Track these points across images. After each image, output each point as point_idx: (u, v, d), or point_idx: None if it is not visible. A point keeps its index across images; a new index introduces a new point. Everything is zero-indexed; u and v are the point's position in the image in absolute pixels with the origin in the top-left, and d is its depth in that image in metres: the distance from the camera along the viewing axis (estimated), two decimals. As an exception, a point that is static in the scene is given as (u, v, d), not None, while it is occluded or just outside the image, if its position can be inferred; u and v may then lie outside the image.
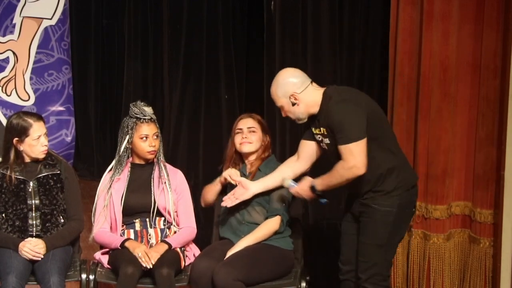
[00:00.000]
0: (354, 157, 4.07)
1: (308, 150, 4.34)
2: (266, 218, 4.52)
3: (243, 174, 4.59)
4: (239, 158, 4.67)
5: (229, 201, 4.49)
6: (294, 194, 4.38)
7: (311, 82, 4.24)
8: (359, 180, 4.13)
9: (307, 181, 4.30)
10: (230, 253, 4.44)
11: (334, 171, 4.17)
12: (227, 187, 4.63)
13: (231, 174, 4.54)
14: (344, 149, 4.08)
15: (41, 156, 4.51)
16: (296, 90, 4.20)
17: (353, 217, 4.32)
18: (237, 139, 4.61)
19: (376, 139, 4.14)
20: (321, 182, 4.25)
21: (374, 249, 4.19)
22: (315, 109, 4.20)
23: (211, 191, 4.67)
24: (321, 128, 4.20)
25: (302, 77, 4.24)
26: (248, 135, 4.59)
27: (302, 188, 4.32)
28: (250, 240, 4.48)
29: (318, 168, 5.15)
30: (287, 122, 5.17)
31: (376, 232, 4.17)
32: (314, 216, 5.26)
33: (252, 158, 4.63)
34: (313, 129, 4.26)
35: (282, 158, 4.78)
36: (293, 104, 4.21)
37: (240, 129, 4.61)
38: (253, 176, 4.57)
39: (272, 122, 5.27)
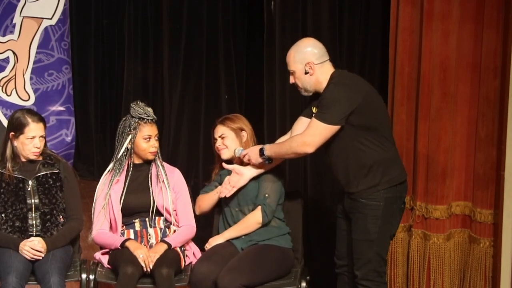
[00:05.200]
0: (313, 136, 4.15)
1: (302, 127, 4.34)
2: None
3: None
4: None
5: (225, 190, 4.54)
6: (243, 159, 4.47)
7: (329, 60, 4.28)
8: (344, 169, 4.21)
9: (259, 145, 4.44)
10: (214, 242, 4.54)
11: (287, 141, 4.29)
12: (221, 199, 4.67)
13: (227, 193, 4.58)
14: (313, 123, 4.16)
15: (32, 157, 4.50)
16: (314, 60, 4.23)
17: (344, 213, 4.38)
18: (216, 146, 4.66)
19: (368, 129, 4.17)
20: (270, 148, 4.37)
21: (367, 245, 4.23)
22: (322, 86, 4.24)
23: (207, 201, 4.69)
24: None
25: (322, 51, 4.28)
26: (221, 142, 4.62)
27: (252, 150, 4.43)
28: (233, 233, 4.56)
29: (318, 165, 5.17)
30: (287, 122, 5.17)
31: (366, 227, 4.22)
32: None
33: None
34: (314, 108, 4.29)
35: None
36: (306, 73, 4.24)
37: (215, 138, 4.66)
38: None
39: (272, 122, 5.27)
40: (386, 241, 4.31)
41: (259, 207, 4.53)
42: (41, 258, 4.39)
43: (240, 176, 4.52)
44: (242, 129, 4.64)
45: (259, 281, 4.39)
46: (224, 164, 4.60)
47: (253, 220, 4.54)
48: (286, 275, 4.53)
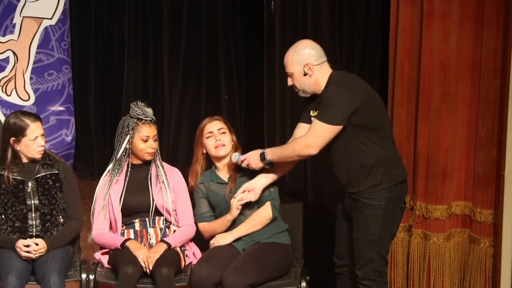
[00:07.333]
0: (316, 137, 4.15)
1: (302, 134, 4.33)
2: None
3: (217, 182, 4.59)
4: (207, 164, 4.65)
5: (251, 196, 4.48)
6: (242, 165, 4.44)
7: (327, 61, 4.28)
8: (345, 169, 4.21)
9: (258, 150, 4.40)
10: (221, 240, 4.49)
11: (289, 143, 4.29)
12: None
13: (237, 206, 4.50)
14: (316, 124, 4.16)
15: (37, 156, 4.50)
16: (312, 61, 4.23)
17: (344, 213, 4.38)
18: (210, 142, 4.58)
19: (369, 129, 4.17)
20: (272, 152, 4.35)
21: (368, 245, 4.23)
22: (321, 87, 4.24)
23: (220, 228, 4.60)
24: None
25: (320, 52, 4.28)
26: (221, 137, 4.57)
27: (252, 155, 4.40)
28: (244, 230, 4.52)
29: (318, 165, 5.17)
30: (287, 122, 5.17)
31: (367, 227, 4.22)
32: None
33: (225, 161, 4.62)
34: (311, 111, 4.29)
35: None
36: (305, 74, 4.23)
37: (211, 132, 4.59)
38: (235, 179, 4.57)
39: (272, 121, 5.27)
40: (387, 240, 4.32)
41: (268, 202, 4.52)
42: (33, 256, 4.38)
43: (253, 192, 4.46)
44: (232, 132, 4.65)
45: (262, 279, 4.39)
46: (233, 199, 4.49)
47: (263, 215, 4.53)
48: (287, 271, 4.54)
